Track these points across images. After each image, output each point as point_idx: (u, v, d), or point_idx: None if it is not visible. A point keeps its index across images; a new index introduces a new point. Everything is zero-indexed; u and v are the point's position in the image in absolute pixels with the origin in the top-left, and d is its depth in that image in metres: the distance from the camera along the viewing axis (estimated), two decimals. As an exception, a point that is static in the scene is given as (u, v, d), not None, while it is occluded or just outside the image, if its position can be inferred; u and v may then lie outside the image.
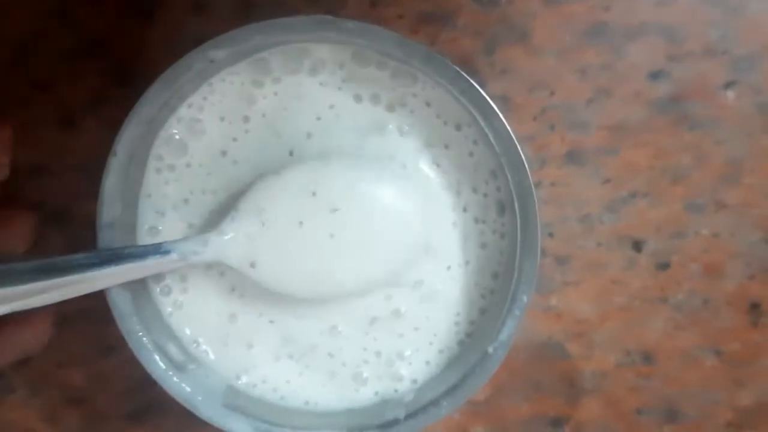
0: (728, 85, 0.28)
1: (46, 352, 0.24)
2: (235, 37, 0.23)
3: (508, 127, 0.23)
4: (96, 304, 0.23)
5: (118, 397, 0.29)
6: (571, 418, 0.30)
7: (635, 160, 0.29)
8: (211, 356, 0.26)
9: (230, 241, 0.24)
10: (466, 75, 0.23)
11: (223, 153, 0.25)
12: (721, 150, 0.29)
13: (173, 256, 0.23)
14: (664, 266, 0.29)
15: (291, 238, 0.24)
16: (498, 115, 0.23)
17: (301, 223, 0.24)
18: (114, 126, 0.23)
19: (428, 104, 0.25)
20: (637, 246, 0.29)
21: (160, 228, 0.25)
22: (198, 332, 0.26)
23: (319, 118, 0.25)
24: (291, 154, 0.25)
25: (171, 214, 0.25)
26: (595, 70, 0.28)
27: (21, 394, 0.29)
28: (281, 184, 0.24)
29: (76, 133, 0.28)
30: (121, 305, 0.24)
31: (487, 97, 0.23)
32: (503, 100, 0.28)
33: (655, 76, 0.28)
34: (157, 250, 0.23)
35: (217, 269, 0.25)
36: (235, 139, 0.25)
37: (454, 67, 0.23)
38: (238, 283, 0.25)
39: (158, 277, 0.25)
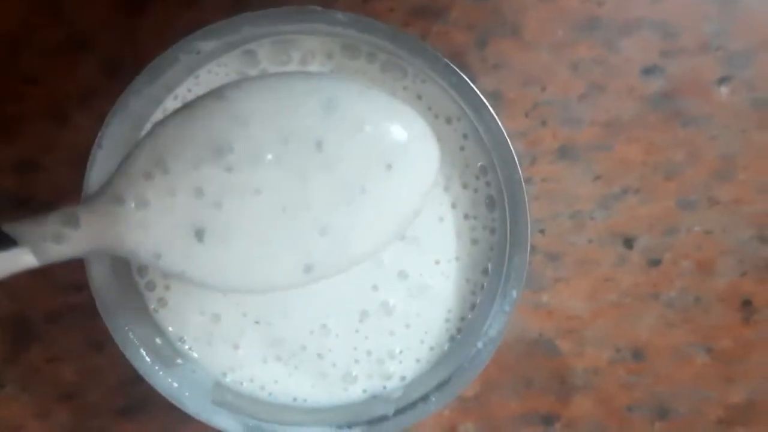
0: (722, 80, 0.28)
1: (36, 347, 0.24)
2: (223, 28, 0.22)
3: (499, 122, 0.23)
4: (86, 299, 0.23)
5: (109, 392, 0.29)
6: (562, 415, 0.30)
7: (628, 156, 0.28)
8: (196, 355, 0.25)
9: (144, 213, 0.15)
10: (457, 69, 0.23)
11: None
12: (715, 146, 0.28)
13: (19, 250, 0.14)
14: (655, 263, 0.29)
15: (289, 180, 0.15)
16: (489, 109, 0.23)
17: (319, 143, 0.15)
18: (106, 121, 0.23)
19: (419, 97, 0.25)
20: (629, 243, 0.29)
21: None
22: (181, 331, 0.25)
23: None
24: None
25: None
26: (587, 65, 0.28)
27: (11, 390, 0.29)
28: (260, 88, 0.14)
29: (68, 127, 0.28)
30: (107, 299, 0.23)
31: (478, 91, 0.23)
32: (495, 95, 0.28)
33: (648, 71, 0.28)
34: None
35: None
36: None
37: (445, 60, 0.23)
38: None
39: (141, 269, 0.25)
